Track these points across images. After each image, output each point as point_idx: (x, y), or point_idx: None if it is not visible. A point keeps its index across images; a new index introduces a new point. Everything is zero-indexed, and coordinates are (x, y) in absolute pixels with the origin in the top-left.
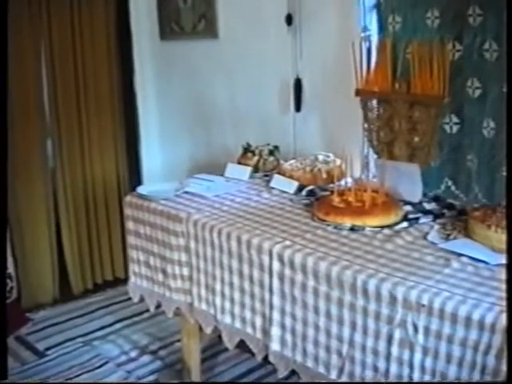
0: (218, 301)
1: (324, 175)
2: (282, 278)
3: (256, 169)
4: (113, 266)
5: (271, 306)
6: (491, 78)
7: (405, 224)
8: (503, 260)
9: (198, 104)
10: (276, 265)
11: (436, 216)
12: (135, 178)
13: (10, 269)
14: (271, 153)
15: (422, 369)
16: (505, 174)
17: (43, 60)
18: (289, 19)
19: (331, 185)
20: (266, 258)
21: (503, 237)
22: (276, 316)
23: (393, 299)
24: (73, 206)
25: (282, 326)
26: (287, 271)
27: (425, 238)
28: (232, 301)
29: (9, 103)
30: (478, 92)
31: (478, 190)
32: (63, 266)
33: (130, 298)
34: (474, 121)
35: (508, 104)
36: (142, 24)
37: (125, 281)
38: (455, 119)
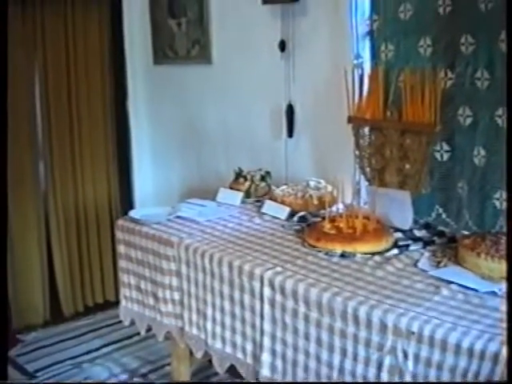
0: (208, 325)
1: (315, 201)
2: (272, 303)
3: (248, 194)
4: (103, 288)
5: (262, 332)
6: (483, 106)
7: (395, 251)
8: (493, 288)
9: (191, 128)
10: (267, 291)
11: (426, 243)
12: (127, 201)
13: None
14: (263, 178)
15: None
16: (497, 201)
17: (37, 82)
18: (282, 45)
19: (322, 211)
20: (257, 284)
21: (493, 264)
22: (267, 342)
23: (383, 326)
24: (64, 229)
25: (273, 352)
26: (278, 297)
27: (415, 265)
28: (223, 326)
29: None
30: (469, 120)
31: (468, 218)
32: (54, 288)
33: (120, 321)
34: (464, 149)
35: (508, 131)
36: (136, 48)
37: (115, 304)
38: (446, 147)
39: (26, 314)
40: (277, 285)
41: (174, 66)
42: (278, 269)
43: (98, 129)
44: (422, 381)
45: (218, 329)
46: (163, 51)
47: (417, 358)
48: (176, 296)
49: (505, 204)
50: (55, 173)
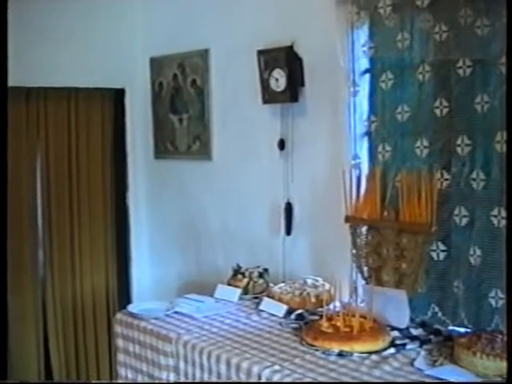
0: None
1: (313, 299)
2: None
3: (246, 291)
4: (99, 380)
5: None
6: (478, 206)
7: (392, 350)
8: None
9: (190, 223)
10: None
11: (423, 342)
12: (124, 293)
13: None
14: (261, 275)
15: None
16: (492, 299)
17: (38, 174)
18: (281, 144)
19: (320, 309)
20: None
21: (488, 363)
22: None
23: None
24: (61, 317)
25: None
26: None
27: (411, 364)
28: None
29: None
30: (465, 220)
31: (464, 316)
32: (50, 378)
33: None
34: (460, 248)
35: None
36: (138, 141)
37: None
38: (442, 246)
39: None
40: None
41: (175, 160)
42: (276, 367)
43: (97, 220)
44: None
45: None
46: (164, 146)
47: None
48: None
49: (501, 302)
50: (54, 261)
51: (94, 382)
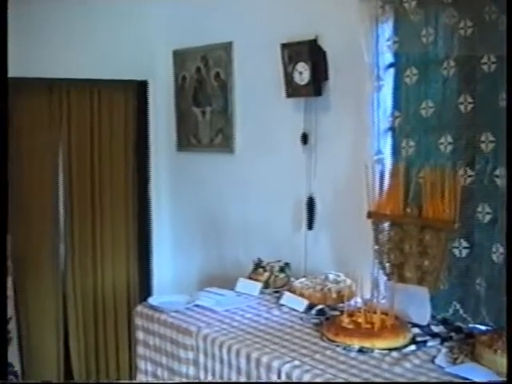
0: None
1: (334, 295)
2: None
3: (266, 285)
4: (118, 373)
5: None
6: (502, 203)
7: (413, 347)
8: None
9: (211, 216)
10: None
11: (444, 339)
12: (145, 286)
13: (17, 367)
14: (282, 270)
15: None
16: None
17: (60, 166)
18: (304, 138)
19: (341, 304)
20: (274, 377)
21: None
22: None
23: None
24: (82, 311)
25: None
26: None
27: (432, 361)
28: None
29: (25, 205)
30: (488, 217)
31: (485, 314)
32: (69, 370)
33: None
34: (483, 246)
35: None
36: (160, 134)
37: None
38: (465, 243)
39: None
40: (294, 379)
41: (197, 153)
42: (296, 362)
43: (119, 213)
44: None
45: None
46: (187, 138)
47: None
48: None
49: None
50: (75, 254)
51: (114, 381)
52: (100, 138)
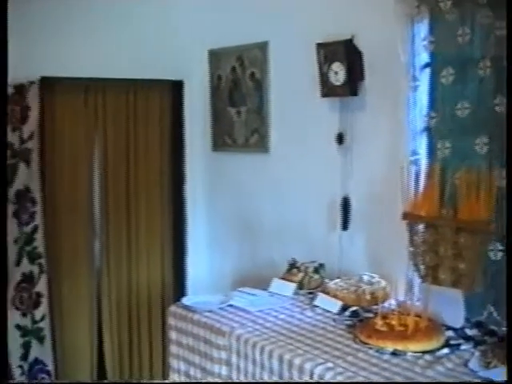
0: None
1: (368, 296)
2: None
3: (300, 285)
4: (151, 372)
5: None
6: None
7: (446, 350)
8: None
9: (246, 216)
10: None
11: (477, 343)
12: (180, 285)
13: (50, 366)
14: (316, 270)
15: None
16: None
17: (96, 165)
18: (339, 138)
19: (375, 306)
20: (307, 379)
21: None
22: None
23: None
24: (116, 309)
25: None
26: None
27: (465, 365)
28: None
29: (60, 204)
30: None
31: None
32: (102, 368)
33: None
34: None
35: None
36: (196, 133)
37: None
38: (500, 246)
39: None
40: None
41: (232, 153)
42: (329, 364)
43: (154, 212)
44: None
45: None
46: (222, 138)
47: None
48: None
49: None
50: (110, 252)
51: (145, 381)
52: (135, 138)
